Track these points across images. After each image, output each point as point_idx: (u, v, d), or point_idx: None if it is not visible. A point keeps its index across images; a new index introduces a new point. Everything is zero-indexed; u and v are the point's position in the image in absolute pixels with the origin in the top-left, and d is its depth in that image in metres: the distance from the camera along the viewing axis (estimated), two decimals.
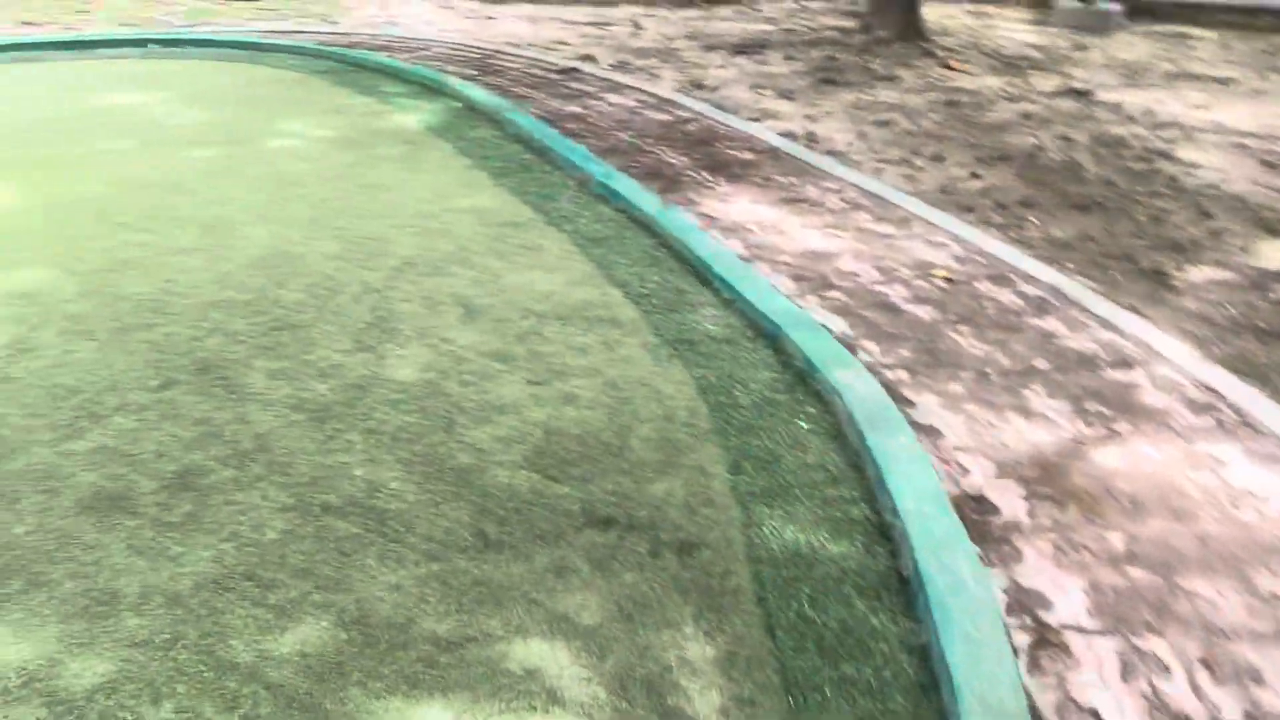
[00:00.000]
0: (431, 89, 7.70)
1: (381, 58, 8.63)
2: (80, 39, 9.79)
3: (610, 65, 9.33)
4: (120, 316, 4.12)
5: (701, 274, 4.55)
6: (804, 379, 3.75)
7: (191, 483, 3.13)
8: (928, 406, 3.64)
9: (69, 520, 2.96)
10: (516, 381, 3.69)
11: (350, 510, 3.02)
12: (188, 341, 3.93)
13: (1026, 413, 3.62)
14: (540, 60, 9.34)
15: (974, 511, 3.11)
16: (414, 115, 7.05)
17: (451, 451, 3.29)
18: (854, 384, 3.58)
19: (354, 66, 8.51)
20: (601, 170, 5.68)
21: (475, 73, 8.48)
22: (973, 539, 2.95)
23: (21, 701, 2.37)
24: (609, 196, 5.43)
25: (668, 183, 5.83)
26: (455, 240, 4.88)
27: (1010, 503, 3.15)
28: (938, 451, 3.39)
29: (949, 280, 4.67)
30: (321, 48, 9.08)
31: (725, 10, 13.07)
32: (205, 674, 2.45)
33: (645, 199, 5.28)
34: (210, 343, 3.92)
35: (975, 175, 6.34)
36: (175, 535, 2.91)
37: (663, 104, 7.82)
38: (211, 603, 2.67)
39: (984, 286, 4.62)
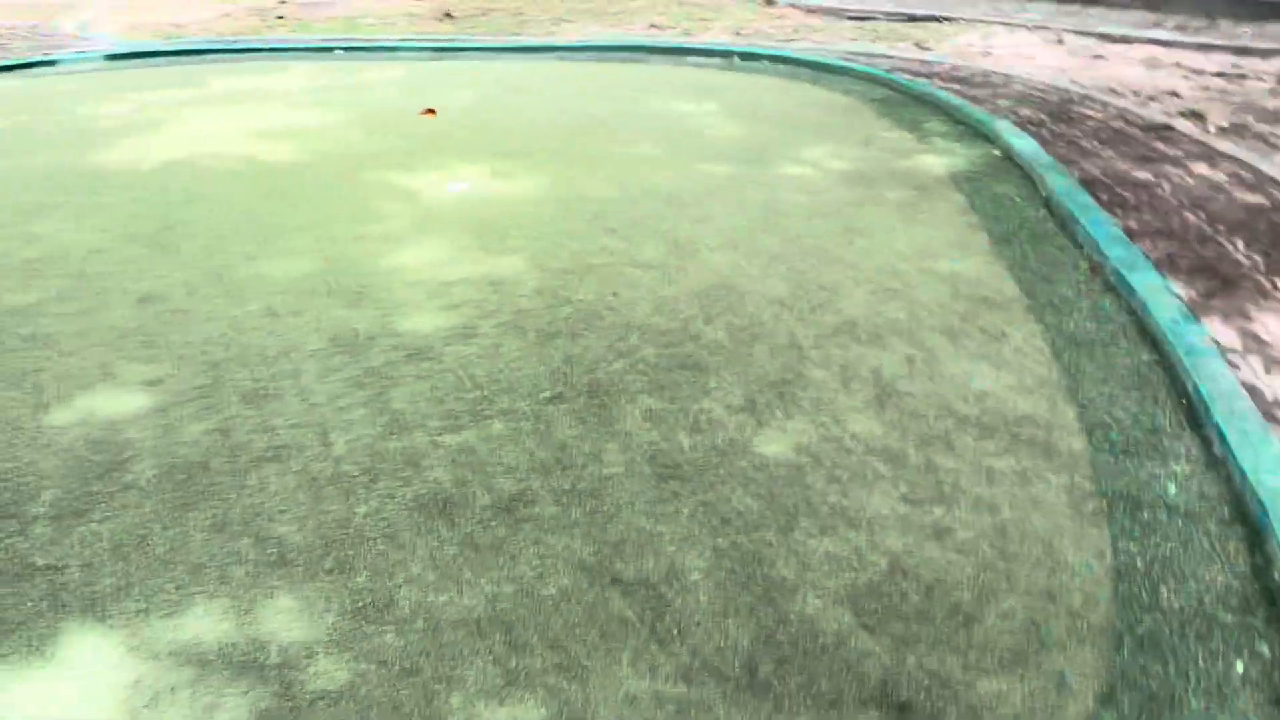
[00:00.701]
0: (977, 132, 7.05)
1: (939, 91, 8.12)
2: (673, 45, 10.57)
3: (1219, 128, 7.85)
4: (555, 320, 4.25)
5: (1196, 414, 3.54)
6: (1276, 599, 2.71)
7: (516, 509, 3.08)
8: None
9: (401, 514, 3.06)
10: (890, 493, 3.14)
11: (636, 590, 2.75)
12: (595, 360, 3.93)
13: None
14: (1131, 113, 8.15)
15: None
16: (942, 158, 6.49)
17: (774, 557, 2.87)
18: None
19: (910, 97, 8.11)
20: (1123, 255, 4.71)
21: (1045, 118, 7.63)
22: None
23: (264, 684, 2.46)
24: (1121, 290, 4.48)
25: (1218, 285, 4.68)
26: (911, 307, 4.34)
27: None
28: None
29: None
30: (886, 75, 8.80)
31: None
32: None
33: (1165, 301, 4.26)
34: (614, 366, 3.88)
35: None
36: (473, 560, 2.87)
37: (1263, 183, 6.36)
38: (460, 645, 2.57)
39: None
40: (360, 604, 2.71)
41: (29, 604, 2.71)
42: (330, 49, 10.68)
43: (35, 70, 9.76)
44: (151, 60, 10.25)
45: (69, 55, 10.17)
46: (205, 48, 10.77)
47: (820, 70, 9.25)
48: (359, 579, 2.80)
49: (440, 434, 3.47)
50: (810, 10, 13.78)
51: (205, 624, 2.64)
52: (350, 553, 2.90)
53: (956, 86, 8.60)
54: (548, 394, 3.70)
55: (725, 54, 10.03)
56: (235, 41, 11.17)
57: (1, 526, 3.00)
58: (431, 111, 7.71)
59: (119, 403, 3.66)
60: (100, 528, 2.99)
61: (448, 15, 13.64)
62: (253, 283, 4.65)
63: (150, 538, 2.96)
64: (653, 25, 12.83)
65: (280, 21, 13.48)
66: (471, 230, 5.28)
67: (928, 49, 10.82)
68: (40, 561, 2.86)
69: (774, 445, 3.39)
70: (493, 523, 3.02)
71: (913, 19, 12.83)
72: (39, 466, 3.29)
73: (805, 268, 4.75)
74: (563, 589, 2.76)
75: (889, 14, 13.16)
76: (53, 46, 10.91)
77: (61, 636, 2.60)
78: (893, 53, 10.36)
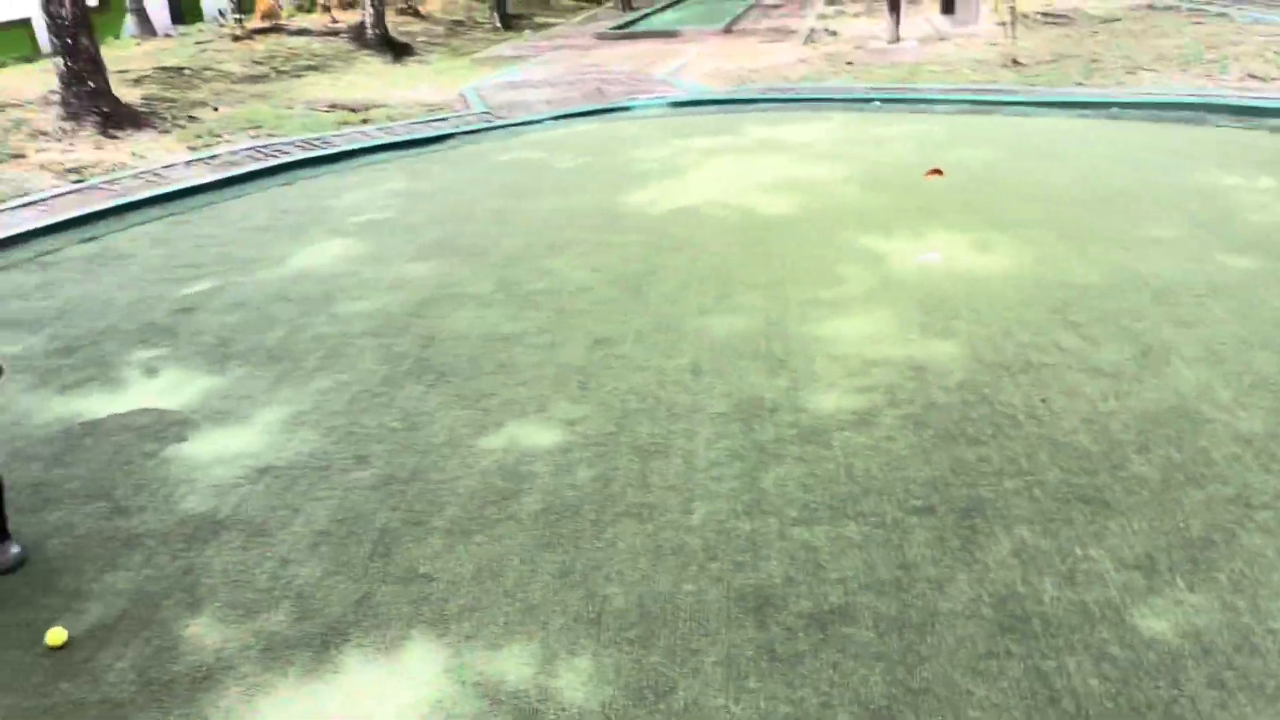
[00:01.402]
0: None
1: None
2: (1245, 104, 9.08)
3: None
4: (963, 421, 3.93)
5: None
6: None
7: (830, 624, 2.93)
8: None
9: (719, 601, 3.07)
10: None
11: None
12: (986, 474, 3.58)
13: None
14: None
15: None
16: None
17: None
18: None
19: None
20: None
21: None
22: None
23: None
24: None
25: None
26: None
27: None
28: None
29: None
30: None
31: None
32: None
33: None
34: (1004, 485, 3.50)
35: None
36: (764, 669, 2.79)
37: None
38: None
39: None
40: (643, 684, 2.77)
41: (399, 606, 3.17)
42: (870, 100, 10.85)
43: (614, 114, 11.20)
44: (708, 108, 11.22)
45: (641, 101, 11.53)
46: (753, 97, 11.53)
47: None
48: (652, 658, 2.87)
49: (792, 525, 3.40)
50: None
51: (512, 665, 2.88)
52: (657, 629, 2.98)
53: None
54: (918, 503, 3.46)
55: None
56: (781, 91, 11.81)
57: (410, 532, 3.55)
58: (938, 171, 7.50)
59: (538, 436, 4.11)
60: (476, 551, 3.40)
61: (1014, 62, 13.11)
62: (693, 336, 4.93)
63: (506, 570, 3.29)
64: (1251, 75, 11.17)
65: (848, 68, 13.97)
66: (921, 306, 5.07)
67: None
68: (422, 569, 3.33)
69: (1157, 620, 2.83)
70: (801, 633, 2.91)
71: None
72: (457, 484, 3.82)
73: None
74: None
75: None
76: (639, 91, 12.42)
77: (407, 642, 3.01)
78: None
